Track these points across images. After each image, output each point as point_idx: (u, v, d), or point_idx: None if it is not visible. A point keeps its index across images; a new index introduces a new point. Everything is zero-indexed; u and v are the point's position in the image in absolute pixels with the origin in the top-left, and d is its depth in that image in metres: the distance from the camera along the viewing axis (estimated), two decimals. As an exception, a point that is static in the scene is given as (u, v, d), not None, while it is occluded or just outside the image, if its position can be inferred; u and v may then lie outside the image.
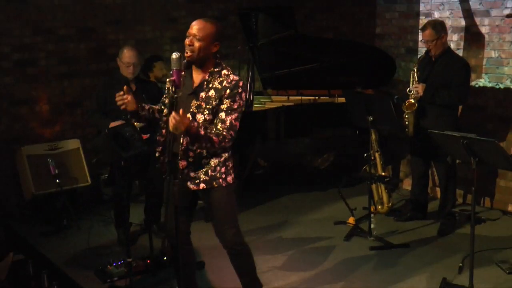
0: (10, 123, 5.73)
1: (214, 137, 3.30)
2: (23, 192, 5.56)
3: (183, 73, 3.30)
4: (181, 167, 3.40)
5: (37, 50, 5.79)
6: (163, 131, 3.52)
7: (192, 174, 3.43)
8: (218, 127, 3.33)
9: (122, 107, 3.45)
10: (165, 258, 4.45)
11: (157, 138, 3.55)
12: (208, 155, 3.41)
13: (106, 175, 5.93)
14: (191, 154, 3.38)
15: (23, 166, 5.49)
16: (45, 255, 4.83)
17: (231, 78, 3.36)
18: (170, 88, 3.19)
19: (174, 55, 3.26)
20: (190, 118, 3.30)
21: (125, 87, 3.47)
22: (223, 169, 3.45)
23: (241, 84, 3.37)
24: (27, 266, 4.37)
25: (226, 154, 3.46)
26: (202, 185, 3.43)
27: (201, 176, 3.42)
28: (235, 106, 3.35)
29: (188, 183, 3.44)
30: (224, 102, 3.33)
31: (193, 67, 3.45)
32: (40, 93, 5.85)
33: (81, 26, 5.99)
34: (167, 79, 3.25)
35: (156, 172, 4.89)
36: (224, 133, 3.32)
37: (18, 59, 5.71)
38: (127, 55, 4.88)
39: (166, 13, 6.44)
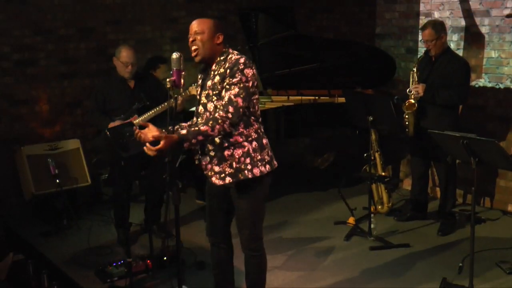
0: (10, 123, 5.73)
1: (202, 127, 3.12)
2: (23, 192, 5.57)
3: (183, 73, 3.31)
4: (203, 163, 3.39)
5: (37, 50, 5.80)
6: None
7: (216, 168, 3.36)
8: (218, 106, 3.22)
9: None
10: (165, 258, 4.45)
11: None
12: (229, 146, 3.30)
13: (106, 175, 5.94)
14: (210, 147, 3.33)
15: (23, 166, 5.49)
16: (45, 255, 4.83)
17: (233, 59, 3.27)
18: (170, 88, 3.21)
19: (174, 55, 3.27)
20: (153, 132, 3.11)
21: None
22: (247, 160, 3.32)
23: (242, 60, 3.24)
24: (27, 266, 4.36)
25: (251, 145, 3.33)
26: (228, 179, 3.34)
27: (226, 169, 3.34)
28: (235, 81, 3.20)
29: (214, 179, 3.38)
30: (225, 81, 3.24)
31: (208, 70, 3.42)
32: (40, 93, 5.85)
33: (81, 26, 5.99)
34: (167, 79, 3.26)
35: (156, 172, 4.91)
36: (219, 113, 3.16)
37: (18, 59, 5.72)
38: (125, 55, 4.83)
39: (166, 13, 6.44)
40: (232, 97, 3.20)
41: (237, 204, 3.46)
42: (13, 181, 5.62)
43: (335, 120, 5.99)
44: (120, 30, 6.19)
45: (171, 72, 3.27)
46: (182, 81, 3.29)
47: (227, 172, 3.35)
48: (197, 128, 3.14)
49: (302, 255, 4.78)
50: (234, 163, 3.33)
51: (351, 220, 5.33)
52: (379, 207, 5.59)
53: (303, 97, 6.24)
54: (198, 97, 3.49)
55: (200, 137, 3.15)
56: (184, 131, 3.14)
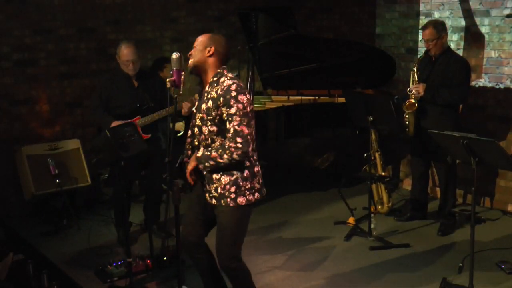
0: (10, 123, 5.73)
1: (213, 153, 3.23)
2: (23, 192, 5.57)
3: (183, 73, 3.32)
4: (205, 180, 3.42)
5: (37, 50, 5.80)
6: (189, 152, 3.56)
7: (207, 187, 3.40)
8: (227, 137, 3.25)
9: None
10: (165, 258, 4.45)
11: (185, 159, 3.57)
12: (219, 171, 3.31)
13: (106, 175, 5.94)
14: (201, 167, 3.36)
15: (23, 166, 5.49)
16: (45, 255, 4.83)
17: (225, 84, 3.26)
18: (170, 88, 3.23)
19: (174, 55, 3.29)
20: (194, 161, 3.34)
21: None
22: (233, 189, 3.31)
23: (233, 87, 3.23)
24: (27, 266, 4.36)
25: (242, 173, 3.31)
26: (214, 201, 3.37)
27: (213, 191, 3.36)
28: (233, 111, 3.20)
29: (207, 195, 3.42)
30: (223, 111, 3.24)
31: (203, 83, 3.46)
32: (40, 93, 5.86)
33: (81, 26, 5.99)
34: (167, 79, 3.27)
35: (155, 172, 4.91)
36: (229, 143, 3.20)
37: (18, 59, 5.72)
38: (125, 53, 4.79)
39: (166, 13, 6.45)
40: (237, 127, 3.21)
41: (218, 224, 3.44)
42: (13, 181, 5.62)
43: (335, 120, 5.99)
44: (120, 30, 6.19)
45: (171, 72, 3.28)
46: (182, 79, 3.30)
47: (212, 194, 3.38)
48: (208, 153, 3.26)
49: (302, 255, 4.78)
50: (219, 188, 3.33)
51: (351, 220, 5.32)
52: (379, 207, 5.59)
53: (303, 97, 6.25)
54: (194, 110, 3.52)
55: (211, 162, 3.26)
56: (199, 154, 3.28)
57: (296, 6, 6.60)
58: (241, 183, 3.33)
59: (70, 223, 5.39)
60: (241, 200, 3.34)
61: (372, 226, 5.04)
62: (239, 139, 3.20)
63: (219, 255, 3.47)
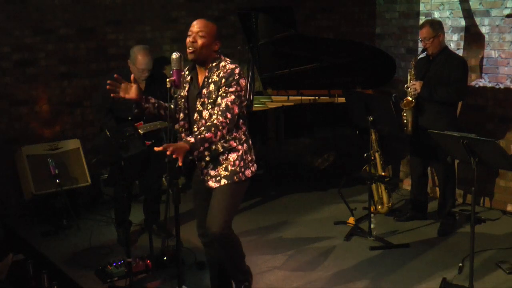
0: (10, 123, 5.73)
1: (207, 134, 3.22)
2: (23, 192, 5.57)
3: (183, 73, 3.32)
4: (200, 168, 3.48)
5: (37, 50, 5.80)
6: (183, 135, 3.56)
7: (212, 172, 3.46)
8: (214, 111, 3.32)
9: (113, 95, 3.42)
10: (165, 258, 4.45)
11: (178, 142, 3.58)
12: (224, 151, 3.44)
13: (106, 175, 5.93)
14: (206, 153, 3.44)
15: (23, 166, 5.49)
16: (45, 255, 4.83)
17: (227, 68, 3.37)
18: (171, 88, 3.23)
19: (174, 55, 3.29)
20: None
21: (115, 76, 3.44)
22: (242, 163, 3.48)
23: (237, 71, 3.37)
24: (27, 266, 4.37)
25: (243, 147, 3.49)
26: (223, 181, 3.45)
27: (222, 172, 3.45)
28: (231, 90, 3.33)
29: (210, 183, 3.47)
30: (220, 90, 3.34)
31: (197, 68, 3.47)
32: (40, 93, 5.85)
33: (81, 26, 5.99)
34: (167, 79, 3.27)
35: (154, 172, 4.91)
36: (219, 119, 3.26)
37: (18, 59, 5.72)
38: (142, 62, 4.64)
39: (166, 13, 6.45)
40: (229, 104, 3.32)
41: (218, 195, 3.47)
42: (13, 181, 5.62)
43: (335, 120, 5.99)
44: (120, 30, 6.19)
45: (171, 72, 3.28)
46: (182, 81, 3.30)
47: (222, 175, 3.46)
48: (202, 136, 3.23)
49: (302, 255, 4.78)
50: (229, 166, 3.45)
51: (351, 220, 5.33)
52: (379, 207, 5.59)
53: (303, 97, 6.25)
54: (185, 93, 3.50)
55: (206, 144, 3.28)
56: (192, 139, 3.20)
57: (296, 6, 6.59)
58: (245, 156, 3.51)
59: (70, 223, 5.39)
60: (248, 172, 3.53)
61: (372, 226, 5.04)
62: (229, 115, 3.31)
63: (212, 222, 3.46)
